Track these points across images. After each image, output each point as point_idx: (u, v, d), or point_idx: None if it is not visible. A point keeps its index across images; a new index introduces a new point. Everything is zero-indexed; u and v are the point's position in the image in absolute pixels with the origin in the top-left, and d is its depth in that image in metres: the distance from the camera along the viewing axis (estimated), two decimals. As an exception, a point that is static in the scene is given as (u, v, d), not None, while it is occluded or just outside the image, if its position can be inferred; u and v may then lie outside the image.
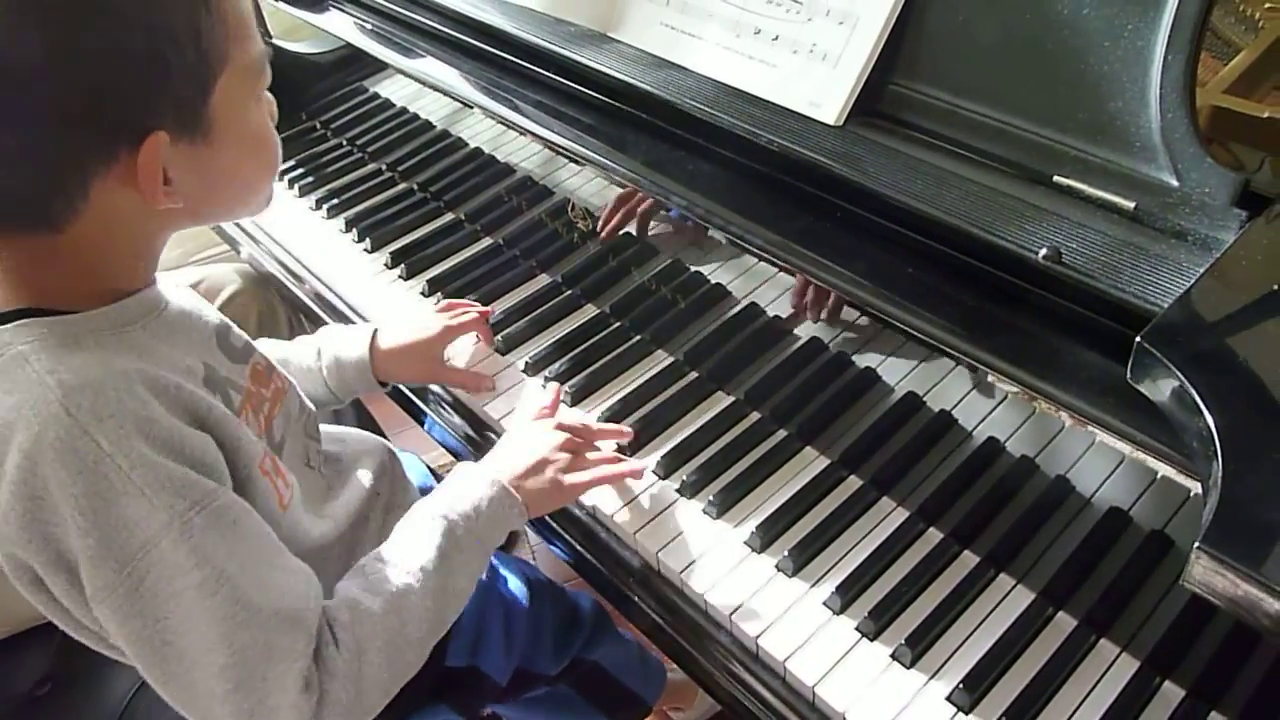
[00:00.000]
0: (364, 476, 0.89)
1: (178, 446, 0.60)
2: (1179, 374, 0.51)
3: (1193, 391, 0.50)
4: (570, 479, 0.84)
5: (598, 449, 0.91)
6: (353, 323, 1.18)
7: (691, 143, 0.84)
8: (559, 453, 0.84)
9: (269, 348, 0.92)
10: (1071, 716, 0.72)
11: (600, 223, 0.93)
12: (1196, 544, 0.45)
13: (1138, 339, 0.54)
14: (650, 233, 1.03)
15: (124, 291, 0.65)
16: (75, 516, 0.56)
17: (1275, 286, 0.56)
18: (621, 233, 1.05)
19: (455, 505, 0.77)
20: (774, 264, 0.80)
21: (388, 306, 1.16)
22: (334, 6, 1.24)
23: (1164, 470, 0.65)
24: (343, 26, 1.15)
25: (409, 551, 0.73)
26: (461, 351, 1.07)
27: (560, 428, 0.87)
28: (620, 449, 0.94)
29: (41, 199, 0.58)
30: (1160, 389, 0.53)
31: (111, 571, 0.57)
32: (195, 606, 0.59)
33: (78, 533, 0.57)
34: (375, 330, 0.99)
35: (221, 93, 0.61)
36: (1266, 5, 0.99)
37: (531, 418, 0.91)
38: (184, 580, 0.59)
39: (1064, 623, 0.77)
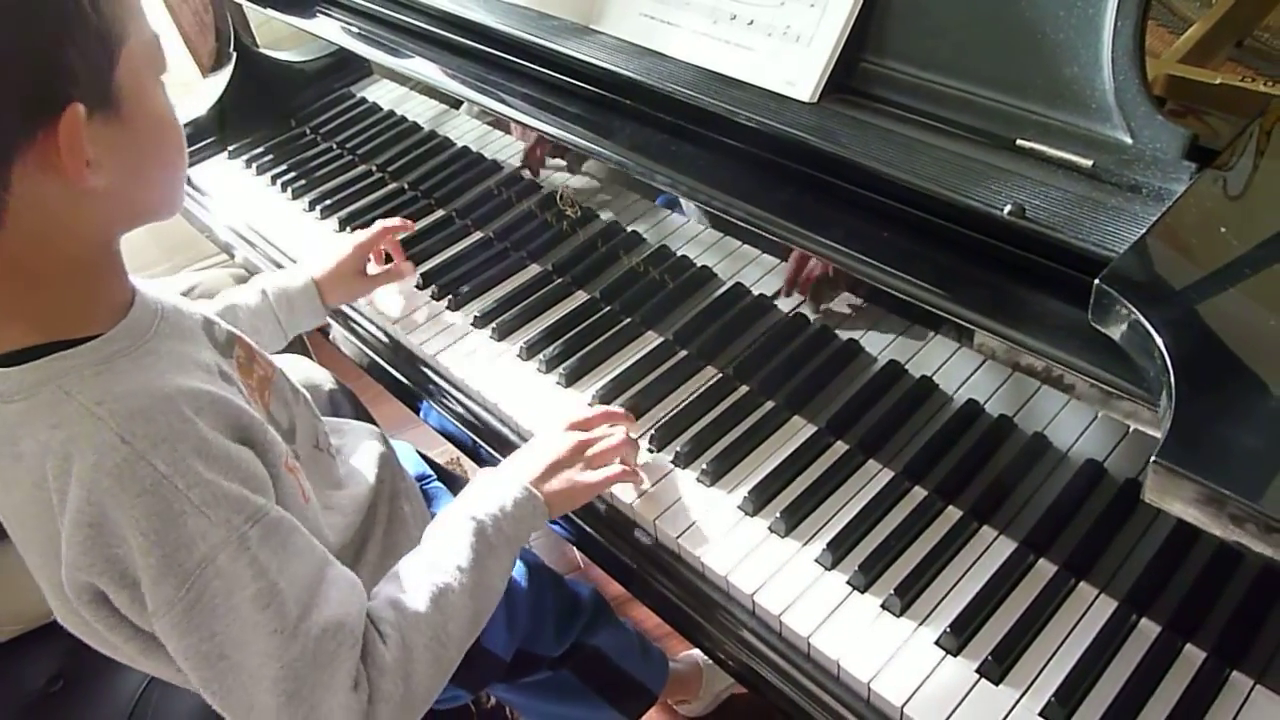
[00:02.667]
0: (368, 466, 0.92)
1: (229, 465, 0.63)
2: (1134, 309, 0.55)
3: (1146, 323, 0.53)
4: (585, 479, 0.86)
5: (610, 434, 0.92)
6: (351, 320, 1.22)
7: (674, 125, 0.88)
8: (575, 455, 0.87)
9: (213, 304, 0.97)
10: (1054, 654, 0.75)
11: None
12: (1153, 458, 0.48)
13: (1096, 281, 0.58)
14: (640, 219, 1.07)
15: (120, 303, 0.67)
16: (137, 538, 0.59)
17: (1221, 229, 0.60)
18: (609, 221, 1.09)
19: (484, 507, 0.79)
20: (758, 235, 0.84)
21: (382, 298, 1.20)
22: (321, 12, 1.27)
23: (1135, 425, 0.69)
24: (332, 30, 1.19)
25: (445, 553, 0.76)
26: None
27: (573, 427, 0.90)
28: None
29: None
30: (1118, 326, 0.57)
31: (172, 588, 0.60)
32: (250, 619, 0.61)
33: (140, 552, 0.59)
34: (309, 264, 1.09)
35: (126, 66, 0.60)
36: (1219, -18, 1.04)
37: (557, 427, 0.92)
38: (240, 594, 0.61)
39: (1044, 569, 0.81)
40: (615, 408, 0.97)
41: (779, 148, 0.80)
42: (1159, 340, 0.53)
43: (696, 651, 1.48)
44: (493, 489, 0.82)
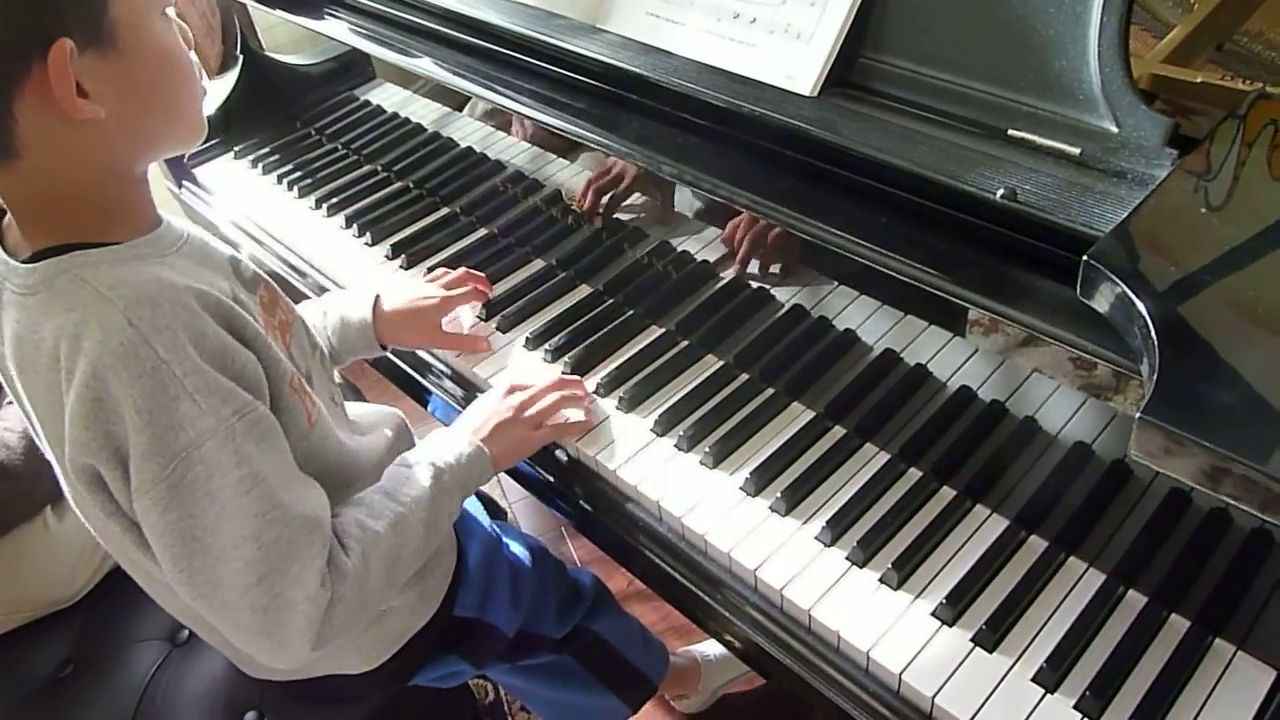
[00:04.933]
0: (384, 434, 0.95)
1: (225, 360, 0.66)
2: (1120, 282, 0.58)
3: (1131, 294, 0.57)
4: (526, 435, 0.94)
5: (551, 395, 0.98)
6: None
7: (679, 119, 0.92)
8: (517, 414, 0.95)
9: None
10: (1045, 624, 0.78)
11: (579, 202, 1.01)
12: (1139, 414, 0.52)
13: (1084, 257, 0.61)
14: (639, 216, 1.10)
15: (144, 224, 0.71)
16: (133, 415, 0.62)
17: (1201, 210, 0.63)
18: (612, 216, 1.12)
19: (440, 456, 0.87)
20: (761, 216, 0.87)
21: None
22: (330, 14, 1.30)
23: (1123, 409, 0.73)
24: (341, 31, 1.22)
25: (405, 489, 0.82)
26: (458, 324, 1.14)
27: (514, 389, 0.97)
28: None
29: None
30: (1105, 298, 0.61)
31: (158, 466, 0.63)
32: (230, 504, 0.65)
33: (133, 429, 0.63)
34: (378, 295, 1.05)
35: (122, 3, 0.63)
36: (1200, -10, 1.08)
37: (500, 389, 0.98)
38: (222, 479, 0.65)
39: (1035, 544, 0.84)
40: (566, 375, 1.03)
41: (781, 138, 0.83)
42: (1142, 308, 0.56)
43: (695, 647, 1.51)
44: (448, 443, 0.90)
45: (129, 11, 0.64)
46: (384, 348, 1.07)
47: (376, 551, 0.76)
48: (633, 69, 0.92)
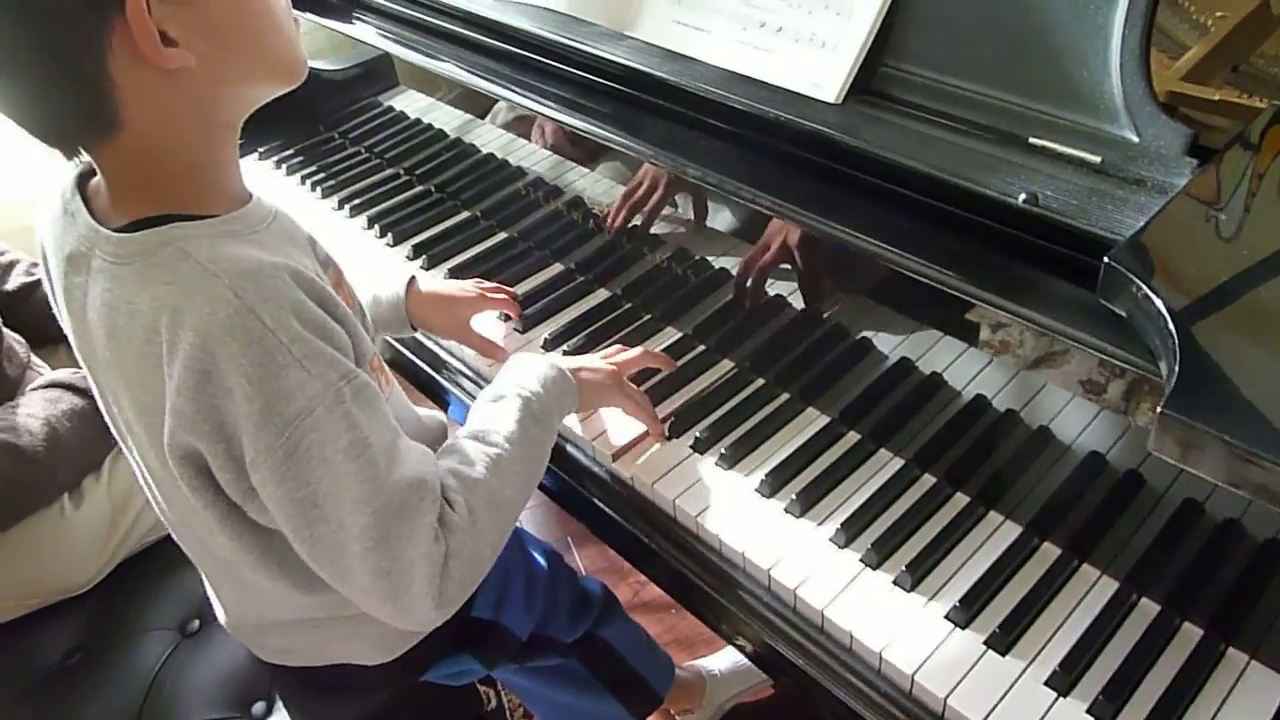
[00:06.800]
0: (431, 422, 0.97)
1: (324, 330, 0.67)
2: (1140, 283, 0.59)
3: (1151, 294, 0.58)
4: (616, 386, 0.95)
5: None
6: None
7: (703, 123, 0.93)
8: (615, 368, 0.96)
9: None
10: (1058, 629, 0.79)
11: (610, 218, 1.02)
12: (1159, 409, 0.53)
13: (1105, 259, 0.62)
14: (658, 225, 1.12)
15: (238, 197, 0.71)
16: (243, 385, 0.62)
17: (1220, 217, 0.65)
18: (630, 224, 1.14)
19: (525, 384, 0.85)
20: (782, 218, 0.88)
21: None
22: (359, 18, 1.33)
23: (1138, 420, 0.73)
24: (371, 35, 1.24)
25: (495, 424, 0.81)
26: (489, 329, 1.15)
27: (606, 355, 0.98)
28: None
29: (80, 93, 0.62)
30: (1125, 299, 0.61)
31: (272, 435, 0.63)
32: (342, 469, 0.65)
33: (244, 399, 0.63)
34: (413, 276, 1.06)
35: None
36: (1218, 14, 1.10)
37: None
38: (334, 445, 0.65)
39: (1049, 550, 0.85)
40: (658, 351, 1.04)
41: (804, 143, 0.85)
42: (1162, 307, 0.57)
43: (701, 662, 1.51)
44: (533, 368, 0.88)
45: None
46: (412, 329, 1.08)
47: (478, 499, 0.74)
48: (658, 74, 0.94)
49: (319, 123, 1.62)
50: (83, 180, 0.72)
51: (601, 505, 0.99)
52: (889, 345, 0.97)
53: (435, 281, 1.10)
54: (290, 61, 0.71)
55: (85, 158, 0.70)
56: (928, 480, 0.91)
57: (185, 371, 0.63)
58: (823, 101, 0.86)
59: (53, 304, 0.75)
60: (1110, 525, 0.83)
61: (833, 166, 0.84)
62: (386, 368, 0.81)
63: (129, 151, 0.66)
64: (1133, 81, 0.72)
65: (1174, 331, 0.56)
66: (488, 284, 1.14)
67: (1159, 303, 0.57)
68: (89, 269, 0.68)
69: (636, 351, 1.01)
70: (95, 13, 0.60)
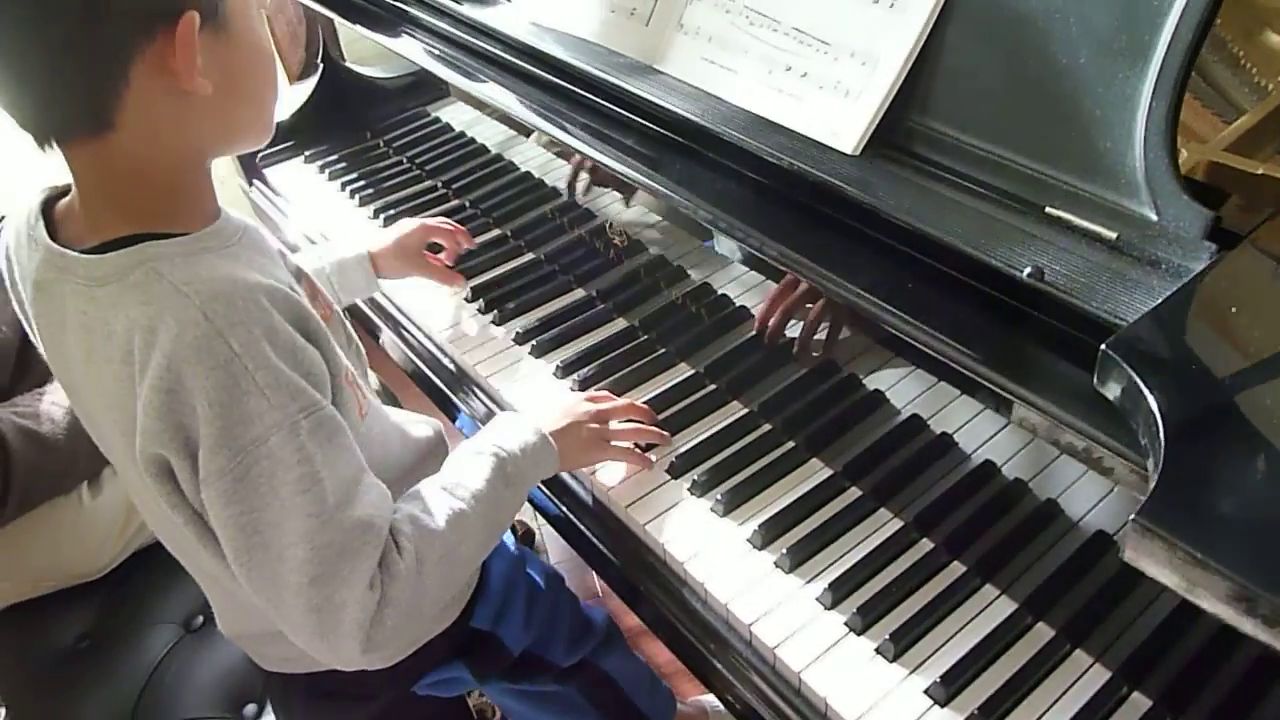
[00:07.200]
0: (421, 431, 0.96)
1: (294, 356, 0.68)
2: (1134, 375, 0.56)
3: (1144, 388, 0.55)
4: (598, 444, 0.94)
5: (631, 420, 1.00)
6: (398, 322, 1.27)
7: (721, 165, 0.92)
8: (593, 421, 0.95)
9: None
10: (1042, 717, 0.76)
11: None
12: (1132, 517, 0.50)
13: (1102, 347, 0.60)
14: (684, 255, 1.11)
15: (210, 213, 0.72)
16: (204, 407, 0.63)
17: (1232, 310, 0.61)
18: (652, 255, 1.13)
19: (504, 444, 0.85)
20: (788, 271, 0.87)
21: (432, 308, 1.25)
22: (406, 33, 1.34)
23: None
24: (415, 50, 1.25)
25: (464, 481, 0.81)
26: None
27: (593, 399, 0.97)
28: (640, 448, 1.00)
29: (91, 86, 0.63)
30: (1117, 388, 0.59)
31: (225, 458, 0.64)
32: (289, 501, 0.66)
33: (204, 421, 0.64)
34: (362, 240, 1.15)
35: None
36: (1280, 78, 1.05)
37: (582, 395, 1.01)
38: (284, 475, 0.66)
39: (1042, 632, 0.81)
40: (641, 404, 1.03)
41: (817, 194, 0.83)
42: (1154, 405, 0.54)
43: (706, 697, 1.49)
44: (512, 429, 0.88)
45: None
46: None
47: (432, 551, 0.74)
48: (682, 112, 0.93)
49: (367, 129, 1.64)
50: (48, 205, 0.73)
51: (597, 544, 0.98)
52: (902, 399, 0.94)
53: (384, 232, 1.19)
54: (269, 125, 0.75)
55: (53, 183, 0.72)
56: (925, 545, 0.89)
57: (151, 391, 0.64)
58: (840, 152, 0.84)
59: (26, 328, 0.77)
60: (1109, 611, 0.79)
61: (844, 220, 0.82)
62: (362, 383, 0.81)
63: (109, 155, 0.67)
64: (1156, 156, 0.69)
65: (1162, 434, 0.53)
66: (433, 220, 1.21)
67: (1152, 402, 0.54)
68: (61, 294, 0.69)
69: (623, 402, 1.01)
70: (146, 20, 0.62)
